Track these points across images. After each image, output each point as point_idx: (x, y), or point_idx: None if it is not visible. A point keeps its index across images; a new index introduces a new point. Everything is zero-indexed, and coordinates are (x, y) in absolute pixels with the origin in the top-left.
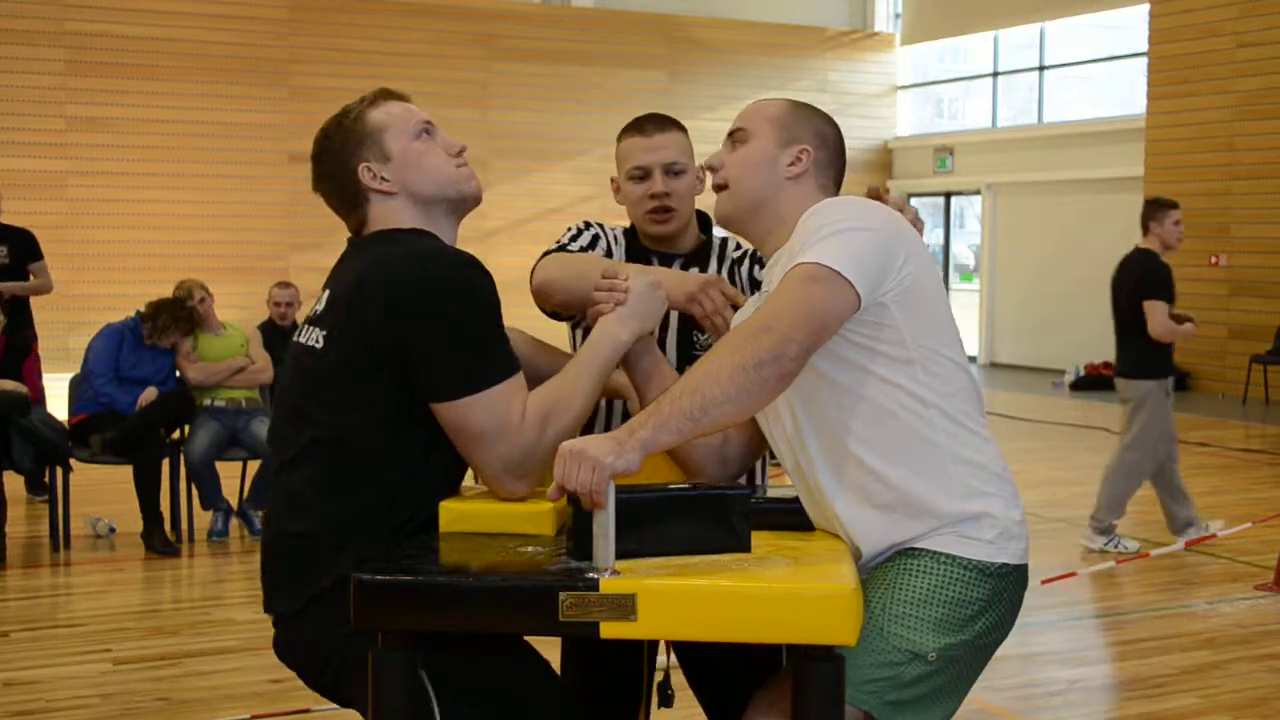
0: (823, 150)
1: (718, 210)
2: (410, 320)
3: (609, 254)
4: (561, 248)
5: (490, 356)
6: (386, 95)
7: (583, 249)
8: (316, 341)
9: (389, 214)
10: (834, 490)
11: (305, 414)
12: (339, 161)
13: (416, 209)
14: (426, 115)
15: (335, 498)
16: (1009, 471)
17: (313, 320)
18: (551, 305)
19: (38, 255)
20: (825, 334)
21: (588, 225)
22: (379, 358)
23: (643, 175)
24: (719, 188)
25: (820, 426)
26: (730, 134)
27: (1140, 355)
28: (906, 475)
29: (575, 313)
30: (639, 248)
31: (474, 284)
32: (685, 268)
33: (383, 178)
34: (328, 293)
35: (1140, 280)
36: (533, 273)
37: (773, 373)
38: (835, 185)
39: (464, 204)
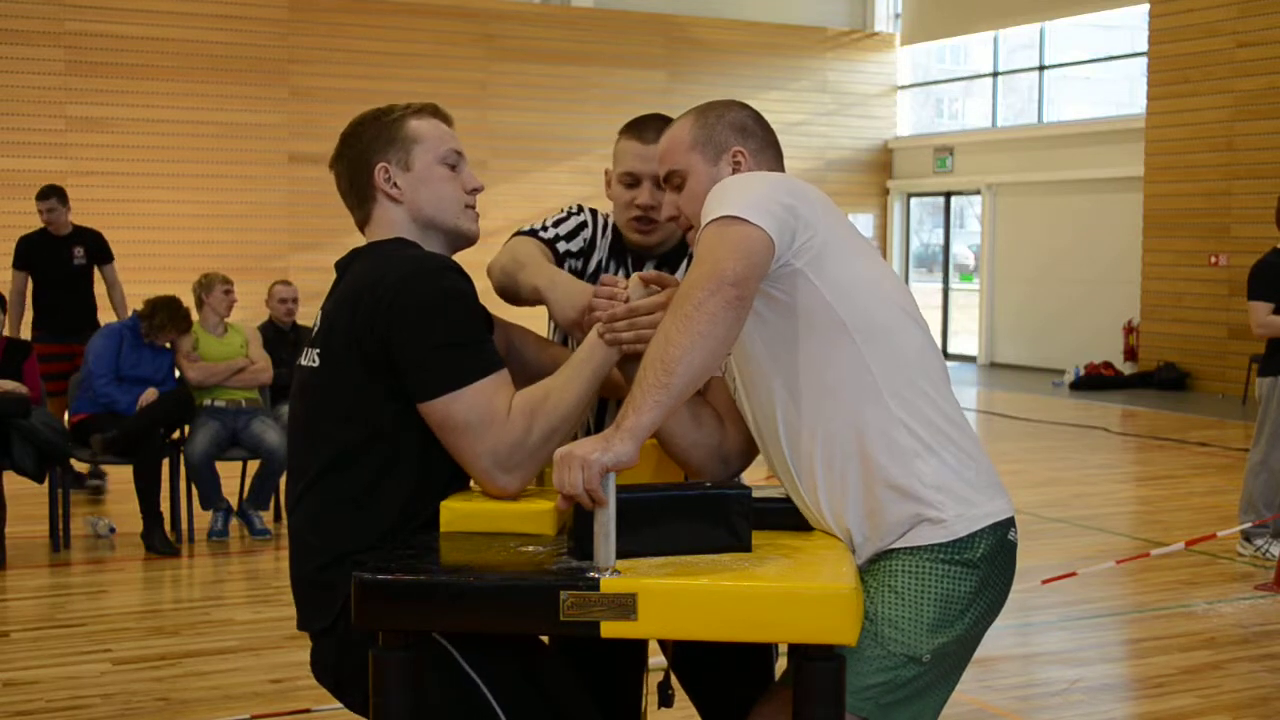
0: (750, 139)
1: (695, 250)
2: (392, 324)
3: (593, 243)
4: (533, 232)
5: (470, 354)
6: (434, 112)
7: (559, 237)
8: (313, 361)
9: (390, 220)
10: (798, 470)
11: (314, 435)
12: (362, 153)
13: (413, 226)
14: (460, 145)
15: (350, 515)
16: (962, 424)
17: (310, 341)
18: (493, 285)
19: (109, 256)
20: (754, 260)
21: (579, 209)
22: (370, 365)
23: (632, 182)
24: (686, 230)
25: (769, 404)
26: (666, 179)
27: (1265, 352)
28: (853, 445)
29: (506, 299)
30: (621, 245)
31: (452, 286)
32: (659, 266)
33: (395, 184)
34: (320, 314)
35: (1248, 279)
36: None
37: (718, 303)
38: (776, 157)
39: (459, 240)
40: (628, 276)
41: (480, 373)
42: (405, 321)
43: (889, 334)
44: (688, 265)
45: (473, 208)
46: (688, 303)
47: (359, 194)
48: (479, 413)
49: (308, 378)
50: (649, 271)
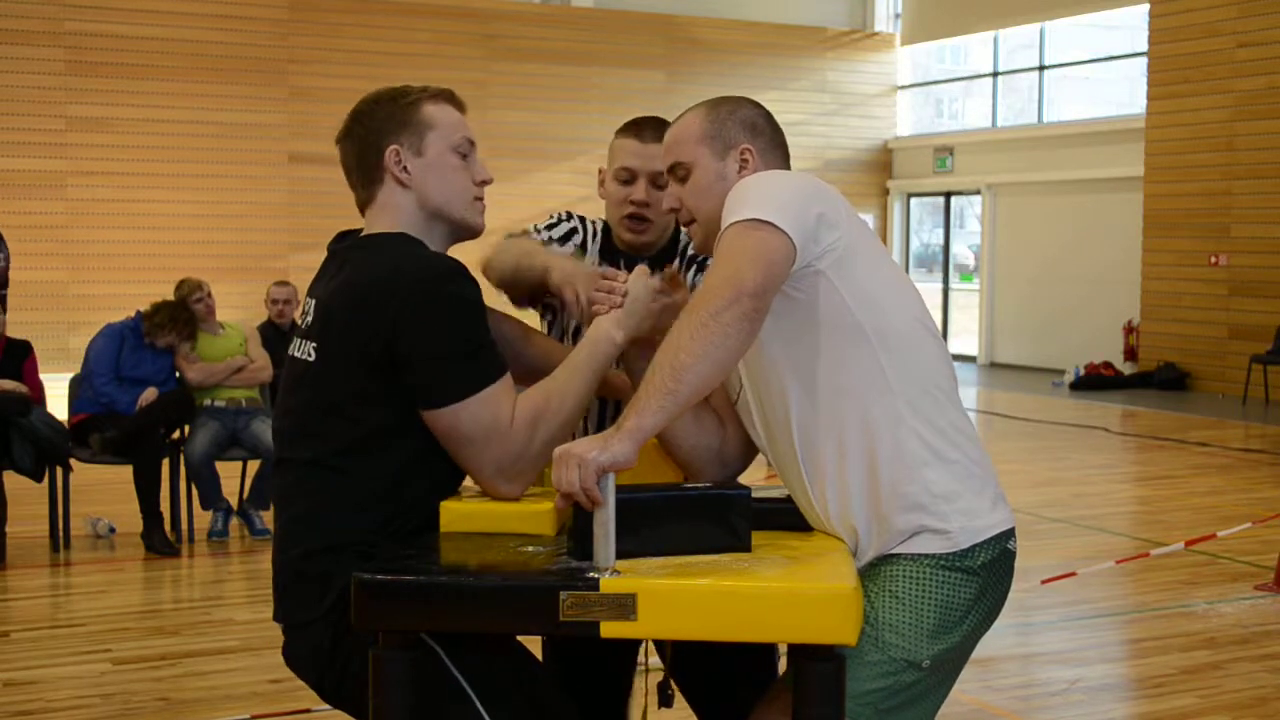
0: (759, 138)
1: (695, 243)
2: (400, 327)
3: (584, 248)
4: (525, 234)
5: (477, 362)
6: (450, 98)
7: (552, 239)
8: (309, 355)
9: (395, 205)
10: (809, 471)
11: (306, 430)
12: (374, 132)
13: (419, 214)
14: (473, 134)
15: (344, 511)
16: (971, 434)
17: (303, 333)
18: (492, 284)
19: None
20: (775, 271)
21: (569, 215)
22: (371, 364)
23: (628, 179)
24: (688, 223)
25: (782, 403)
26: (670, 170)
27: None
28: (865, 448)
29: (514, 295)
30: (611, 247)
31: (464, 292)
32: (651, 267)
33: (405, 168)
34: (314, 302)
35: None
36: None
37: (735, 315)
38: (784, 157)
39: (464, 231)
40: None
41: (486, 380)
42: (414, 327)
43: (905, 341)
44: (682, 264)
45: (480, 200)
46: (704, 310)
47: (366, 174)
48: (484, 424)
49: (302, 371)
50: (670, 268)
